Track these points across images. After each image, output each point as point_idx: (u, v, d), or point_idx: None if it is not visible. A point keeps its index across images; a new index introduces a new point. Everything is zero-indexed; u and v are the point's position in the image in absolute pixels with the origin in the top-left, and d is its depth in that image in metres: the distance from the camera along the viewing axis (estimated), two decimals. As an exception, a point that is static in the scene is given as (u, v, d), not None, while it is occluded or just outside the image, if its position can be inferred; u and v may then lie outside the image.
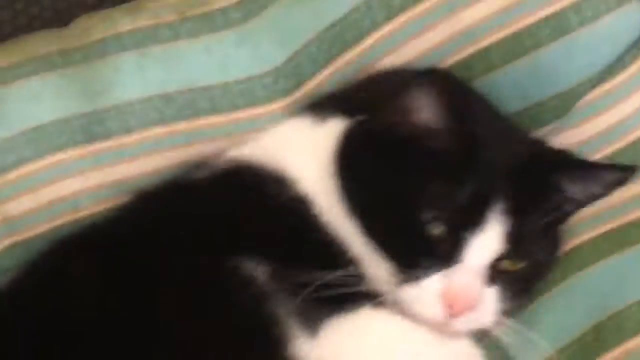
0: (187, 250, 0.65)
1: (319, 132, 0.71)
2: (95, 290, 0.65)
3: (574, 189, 0.68)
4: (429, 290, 0.63)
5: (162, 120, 0.75)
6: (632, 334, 0.67)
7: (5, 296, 0.70)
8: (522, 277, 0.66)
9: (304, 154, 0.70)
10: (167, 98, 0.75)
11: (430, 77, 0.65)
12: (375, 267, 0.65)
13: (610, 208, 0.72)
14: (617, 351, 0.67)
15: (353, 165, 0.67)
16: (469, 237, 0.62)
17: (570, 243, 0.72)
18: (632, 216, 0.72)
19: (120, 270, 0.66)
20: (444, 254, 0.63)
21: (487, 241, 0.63)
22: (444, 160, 0.64)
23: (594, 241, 0.72)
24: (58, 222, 0.74)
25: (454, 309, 0.62)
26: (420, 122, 0.64)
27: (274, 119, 0.76)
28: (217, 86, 0.75)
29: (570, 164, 0.70)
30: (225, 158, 0.74)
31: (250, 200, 0.68)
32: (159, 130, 0.75)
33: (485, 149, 0.65)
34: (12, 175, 0.73)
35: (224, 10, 0.76)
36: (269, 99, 0.75)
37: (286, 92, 0.76)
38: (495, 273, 0.64)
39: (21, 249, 0.74)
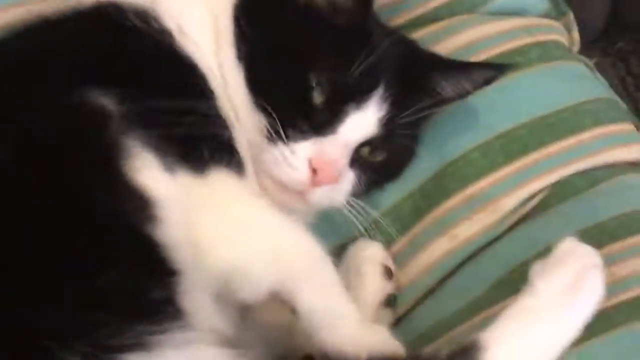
0: (40, 83, 0.61)
1: None
2: None
3: (447, 87, 0.69)
4: (299, 154, 0.62)
5: None
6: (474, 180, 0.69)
7: None
8: (377, 169, 0.67)
9: (191, 10, 0.68)
10: None
11: None
12: (246, 118, 0.64)
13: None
14: (459, 197, 0.68)
15: (252, 19, 0.66)
16: (347, 113, 0.63)
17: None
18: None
19: None
20: (321, 123, 0.63)
21: (363, 121, 0.64)
22: (341, 35, 0.64)
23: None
24: None
25: (318, 176, 0.62)
26: None
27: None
28: None
29: (446, 64, 0.71)
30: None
31: (108, 31, 0.64)
32: None
33: (376, 39, 0.66)
34: None
35: None
36: None
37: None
38: (356, 157, 0.65)
39: None
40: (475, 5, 0.82)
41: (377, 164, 0.67)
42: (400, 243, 0.69)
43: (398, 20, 0.81)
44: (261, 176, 0.64)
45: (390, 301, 0.67)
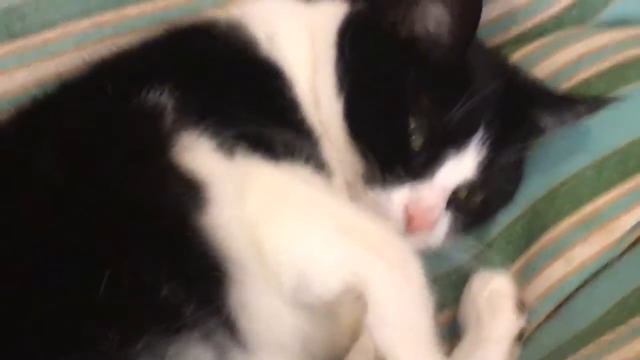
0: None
1: (309, 9, 0.69)
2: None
3: (550, 122, 0.67)
4: (395, 201, 0.61)
5: (86, 12, 0.71)
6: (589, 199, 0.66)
7: None
8: (474, 211, 0.65)
9: (286, 23, 0.67)
10: None
11: None
12: (341, 153, 0.63)
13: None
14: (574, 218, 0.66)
15: (355, 49, 0.64)
16: (445, 158, 0.61)
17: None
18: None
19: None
20: (418, 168, 0.61)
21: (462, 165, 0.62)
22: (442, 71, 0.62)
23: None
24: None
25: (413, 224, 0.60)
26: (429, 30, 0.63)
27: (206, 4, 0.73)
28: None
29: (549, 100, 0.68)
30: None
31: (198, 42, 0.65)
32: (83, 24, 0.71)
33: (476, 76, 0.64)
34: None
35: None
36: None
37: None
38: (452, 199, 0.63)
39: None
40: (584, 17, 0.79)
41: (475, 206, 0.64)
42: (514, 267, 0.66)
43: (505, 35, 0.79)
44: None
45: (522, 335, 0.63)
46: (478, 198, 0.63)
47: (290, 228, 0.55)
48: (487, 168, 0.62)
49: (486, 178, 0.63)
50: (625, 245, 0.66)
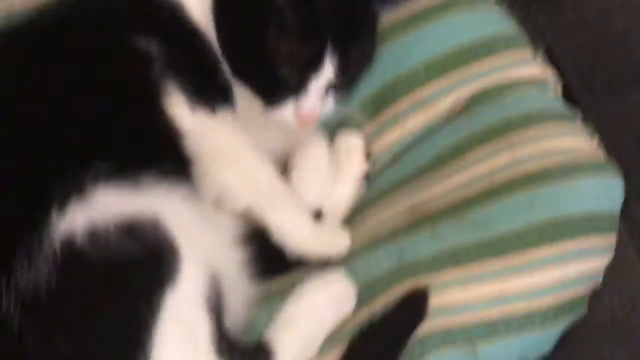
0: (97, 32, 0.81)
1: None
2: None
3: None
4: (285, 114, 0.84)
5: None
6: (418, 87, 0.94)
7: None
8: (345, 84, 0.87)
9: None
10: None
11: None
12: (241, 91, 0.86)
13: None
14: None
15: (227, 13, 0.85)
16: (311, 76, 0.83)
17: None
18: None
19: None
20: (295, 88, 0.83)
21: (324, 75, 0.84)
22: (291, 22, 0.82)
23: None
24: None
25: (305, 122, 0.84)
26: None
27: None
28: None
29: None
30: None
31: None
32: None
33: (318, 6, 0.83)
34: None
35: None
36: None
37: None
38: (327, 87, 0.85)
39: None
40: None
41: (342, 85, 0.87)
42: (366, 129, 0.95)
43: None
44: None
45: (367, 175, 0.93)
46: (346, 77, 0.86)
47: (223, 167, 0.81)
48: (344, 63, 0.85)
49: (345, 66, 0.85)
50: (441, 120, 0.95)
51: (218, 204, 0.82)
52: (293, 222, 0.84)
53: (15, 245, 0.66)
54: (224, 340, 0.74)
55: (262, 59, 0.83)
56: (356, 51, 0.86)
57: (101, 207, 0.68)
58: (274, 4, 0.82)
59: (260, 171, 0.84)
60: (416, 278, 0.83)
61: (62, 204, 0.67)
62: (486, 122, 0.92)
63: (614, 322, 0.89)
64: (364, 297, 0.84)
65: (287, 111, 0.84)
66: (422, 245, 0.86)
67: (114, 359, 0.67)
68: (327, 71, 0.83)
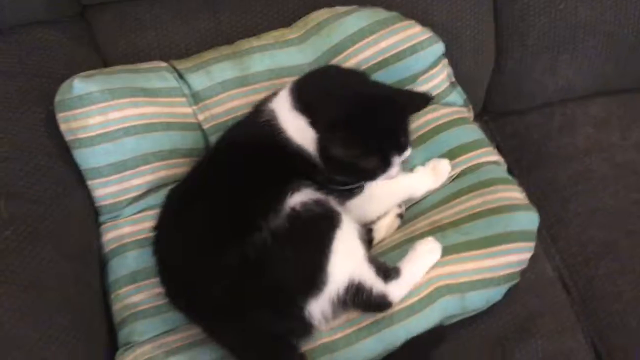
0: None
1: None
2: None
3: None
4: (391, 175, 1.37)
5: None
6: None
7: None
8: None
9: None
10: None
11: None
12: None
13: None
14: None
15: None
16: (394, 162, 1.34)
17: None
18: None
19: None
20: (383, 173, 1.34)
21: (400, 159, 1.35)
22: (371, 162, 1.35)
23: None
24: None
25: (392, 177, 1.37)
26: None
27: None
28: None
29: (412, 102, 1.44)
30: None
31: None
32: None
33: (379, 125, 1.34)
34: None
35: None
36: None
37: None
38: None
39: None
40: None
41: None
42: None
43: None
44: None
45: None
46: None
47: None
48: (406, 149, 1.35)
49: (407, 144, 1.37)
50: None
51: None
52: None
53: (273, 206, 1.23)
54: (371, 257, 1.31)
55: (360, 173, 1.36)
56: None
57: (306, 195, 1.27)
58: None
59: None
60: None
61: (291, 192, 1.26)
62: (468, 183, 1.48)
63: (530, 285, 1.48)
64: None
65: (392, 173, 1.37)
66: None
67: (313, 264, 1.23)
68: (401, 155, 1.36)
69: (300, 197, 1.25)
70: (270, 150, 1.30)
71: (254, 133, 1.34)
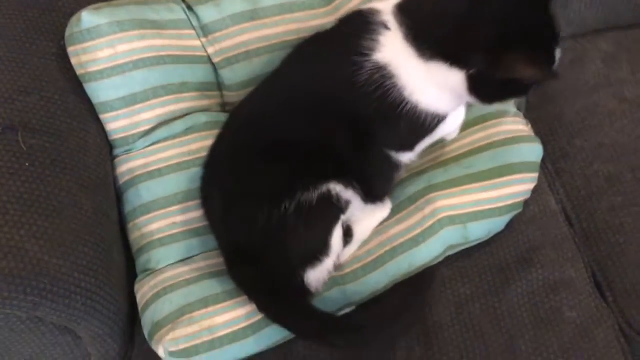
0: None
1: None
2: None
3: None
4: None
5: None
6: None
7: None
8: None
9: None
10: None
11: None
12: None
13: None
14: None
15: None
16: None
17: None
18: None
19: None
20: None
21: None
22: None
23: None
24: None
25: None
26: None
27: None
28: None
29: None
30: None
31: None
32: None
33: None
34: None
35: None
36: None
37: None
38: None
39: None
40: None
41: None
42: None
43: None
44: None
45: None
46: None
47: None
48: None
49: None
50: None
51: None
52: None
53: (313, 181, 1.27)
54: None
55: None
56: None
57: (340, 188, 1.29)
58: None
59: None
60: (435, 192, 1.42)
61: (334, 175, 1.30)
62: (473, 115, 1.50)
63: (532, 218, 1.50)
64: (398, 208, 1.44)
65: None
66: (439, 176, 1.44)
67: (319, 236, 1.31)
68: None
69: (336, 186, 1.29)
70: (352, 113, 1.29)
71: (352, 88, 1.26)
